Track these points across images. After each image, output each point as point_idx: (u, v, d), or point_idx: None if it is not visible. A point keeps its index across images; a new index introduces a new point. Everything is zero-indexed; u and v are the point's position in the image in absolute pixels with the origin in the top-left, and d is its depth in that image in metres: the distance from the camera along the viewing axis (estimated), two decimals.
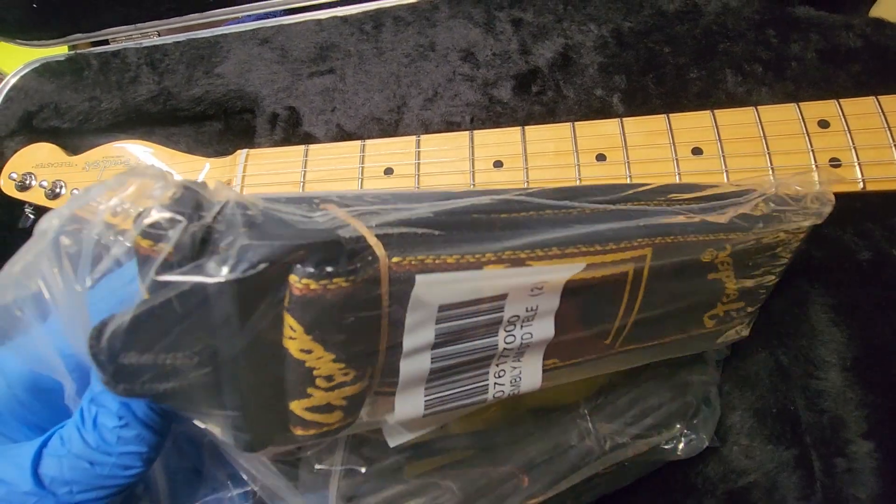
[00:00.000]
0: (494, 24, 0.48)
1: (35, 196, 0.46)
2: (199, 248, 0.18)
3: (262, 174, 0.43)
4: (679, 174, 0.38)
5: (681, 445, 0.35)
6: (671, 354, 0.33)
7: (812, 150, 0.37)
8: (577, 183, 0.38)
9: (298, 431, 0.21)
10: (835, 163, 0.36)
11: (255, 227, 0.19)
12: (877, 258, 0.35)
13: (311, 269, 0.18)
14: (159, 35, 0.55)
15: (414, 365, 0.23)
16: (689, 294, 0.30)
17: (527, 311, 0.24)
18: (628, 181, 0.38)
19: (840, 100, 0.38)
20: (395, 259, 0.20)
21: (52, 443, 0.20)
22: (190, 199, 0.19)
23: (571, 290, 0.25)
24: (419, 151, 0.41)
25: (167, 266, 0.18)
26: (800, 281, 0.36)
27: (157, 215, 0.18)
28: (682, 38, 0.44)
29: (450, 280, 0.22)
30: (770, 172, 0.36)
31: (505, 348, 0.25)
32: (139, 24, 0.55)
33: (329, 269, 0.19)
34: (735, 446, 0.38)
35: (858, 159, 0.36)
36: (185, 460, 0.25)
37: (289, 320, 0.19)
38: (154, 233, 0.18)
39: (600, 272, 0.26)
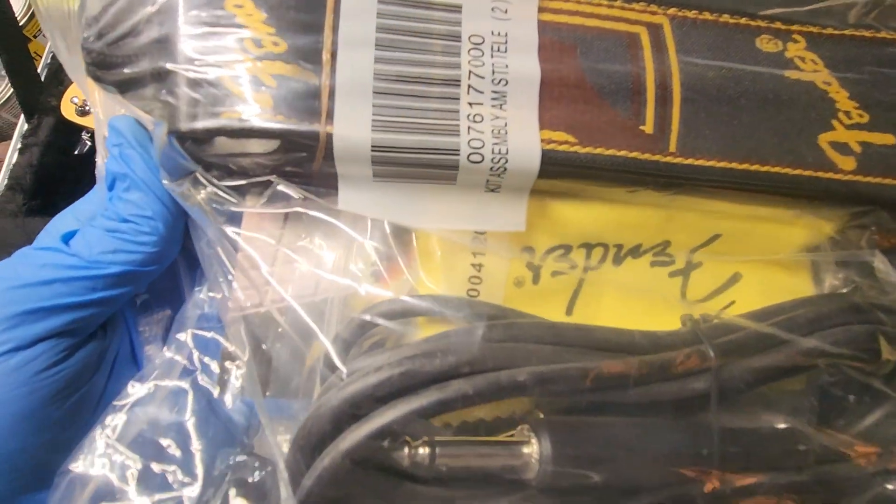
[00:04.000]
0: None
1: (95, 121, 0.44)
2: None
3: None
4: None
5: None
6: (787, 195, 0.23)
7: None
8: None
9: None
10: None
11: None
12: None
13: None
14: None
15: (355, 56, 0.21)
16: (764, 91, 0.23)
17: (493, 34, 0.22)
18: None
19: None
20: None
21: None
22: None
23: (554, 30, 0.23)
24: None
25: None
26: None
27: None
28: None
29: None
30: None
31: (473, 73, 0.21)
32: None
33: None
34: None
35: None
36: None
37: None
38: None
39: (591, 21, 0.23)
